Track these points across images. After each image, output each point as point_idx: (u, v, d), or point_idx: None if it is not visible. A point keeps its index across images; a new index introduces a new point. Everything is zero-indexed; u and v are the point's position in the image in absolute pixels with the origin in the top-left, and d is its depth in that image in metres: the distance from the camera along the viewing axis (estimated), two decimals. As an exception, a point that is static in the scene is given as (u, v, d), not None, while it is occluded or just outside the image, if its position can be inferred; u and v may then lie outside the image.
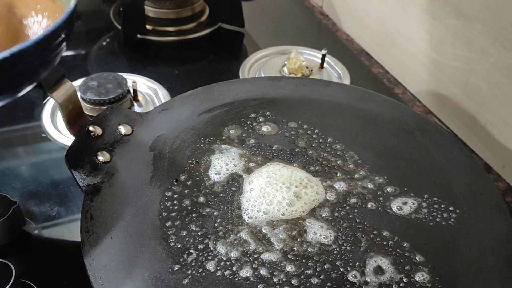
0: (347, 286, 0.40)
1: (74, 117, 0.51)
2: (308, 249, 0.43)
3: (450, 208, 0.47)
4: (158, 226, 0.44)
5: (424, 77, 0.72)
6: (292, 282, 0.40)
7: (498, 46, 0.58)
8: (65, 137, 0.62)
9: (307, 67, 0.74)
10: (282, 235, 0.44)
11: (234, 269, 0.41)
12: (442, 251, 0.43)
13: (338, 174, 0.51)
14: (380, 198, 0.48)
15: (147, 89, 0.72)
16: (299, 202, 0.47)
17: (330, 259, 0.43)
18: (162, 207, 0.46)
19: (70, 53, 0.82)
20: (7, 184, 0.56)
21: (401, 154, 0.53)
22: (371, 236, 0.45)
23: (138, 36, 0.85)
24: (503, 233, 0.45)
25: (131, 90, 0.68)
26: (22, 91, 0.40)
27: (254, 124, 0.57)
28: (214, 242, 0.43)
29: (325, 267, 0.42)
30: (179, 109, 0.58)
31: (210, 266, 0.41)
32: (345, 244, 0.44)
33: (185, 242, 0.43)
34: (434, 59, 0.70)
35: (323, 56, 0.76)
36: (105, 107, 0.56)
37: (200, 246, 0.43)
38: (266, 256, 0.43)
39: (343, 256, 0.43)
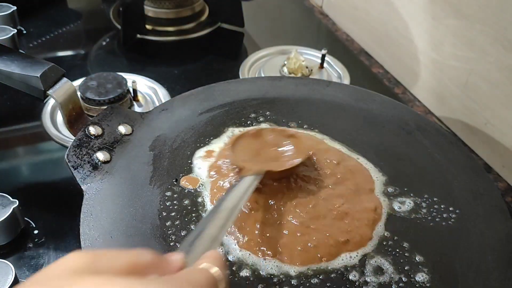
0: (347, 286, 0.40)
1: (74, 117, 0.51)
2: (308, 249, 0.43)
3: (450, 208, 0.47)
4: (158, 225, 0.44)
5: (424, 77, 0.72)
6: (292, 282, 0.40)
7: (498, 46, 0.58)
8: (65, 137, 0.62)
9: (307, 67, 0.74)
10: (282, 235, 0.44)
11: (234, 269, 0.41)
12: (442, 251, 0.43)
13: (338, 174, 0.51)
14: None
15: (147, 89, 0.72)
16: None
17: (330, 259, 0.43)
18: (162, 207, 0.46)
19: (69, 53, 0.82)
20: (7, 184, 0.56)
21: (401, 154, 0.53)
22: (371, 236, 0.45)
23: (138, 36, 0.85)
24: (503, 233, 0.45)
25: (131, 90, 0.68)
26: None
27: (254, 124, 0.57)
28: (214, 242, 0.43)
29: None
30: (179, 109, 0.58)
31: (210, 266, 0.41)
32: (345, 244, 0.44)
33: (185, 242, 0.43)
34: (434, 59, 0.70)
35: (323, 56, 0.76)
36: (105, 107, 0.56)
37: (200, 246, 0.43)
38: (266, 256, 0.42)
39: (343, 256, 0.43)
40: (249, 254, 0.42)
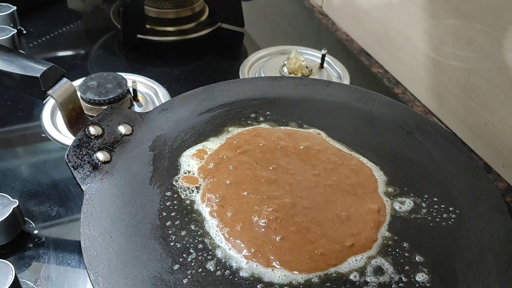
0: (347, 286, 0.40)
1: (74, 117, 0.51)
2: (308, 249, 0.43)
3: (450, 208, 0.47)
4: (158, 225, 0.44)
5: (424, 77, 0.72)
6: (292, 282, 0.40)
7: (498, 46, 0.58)
8: (65, 137, 0.62)
9: (307, 67, 0.74)
10: (282, 235, 0.44)
11: (234, 269, 0.41)
12: (442, 251, 0.43)
13: (338, 174, 0.51)
14: (380, 198, 0.48)
15: (147, 89, 0.72)
16: (299, 202, 0.47)
17: (330, 259, 0.43)
18: (162, 207, 0.46)
19: (69, 53, 0.82)
20: (7, 184, 0.56)
21: (401, 154, 0.53)
22: (371, 236, 0.45)
23: (138, 36, 0.85)
24: (503, 233, 0.45)
25: (131, 90, 0.68)
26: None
27: (254, 124, 0.57)
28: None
29: (325, 267, 0.42)
30: (179, 109, 0.58)
31: (210, 266, 0.41)
32: (345, 244, 0.44)
33: (184, 242, 0.43)
34: (434, 59, 0.70)
35: (323, 56, 0.76)
36: (105, 107, 0.56)
37: (200, 246, 0.43)
38: (266, 256, 0.42)
39: (343, 256, 0.43)
40: (256, 265, 0.41)
